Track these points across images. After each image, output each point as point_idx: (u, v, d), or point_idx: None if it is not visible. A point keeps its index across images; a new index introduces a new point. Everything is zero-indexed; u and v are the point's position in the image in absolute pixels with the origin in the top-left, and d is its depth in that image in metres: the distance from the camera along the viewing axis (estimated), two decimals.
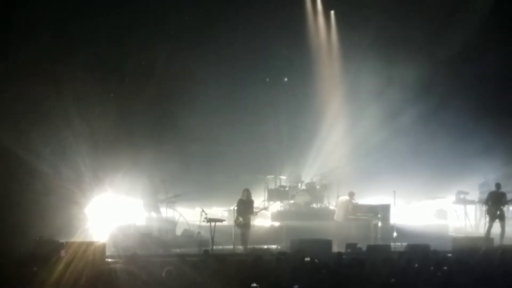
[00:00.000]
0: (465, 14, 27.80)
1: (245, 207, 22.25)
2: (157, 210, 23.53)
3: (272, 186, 26.44)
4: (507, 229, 23.60)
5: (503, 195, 23.75)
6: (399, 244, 22.36)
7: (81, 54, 24.22)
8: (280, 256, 17.38)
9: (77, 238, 20.64)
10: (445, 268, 16.39)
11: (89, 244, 18.20)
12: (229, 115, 27.38)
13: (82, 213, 22.96)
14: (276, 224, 24.46)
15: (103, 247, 18.42)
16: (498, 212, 23.62)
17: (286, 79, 29.02)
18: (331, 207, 26.39)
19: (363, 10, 27.29)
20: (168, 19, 26.57)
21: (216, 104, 26.98)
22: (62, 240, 19.10)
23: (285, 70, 28.36)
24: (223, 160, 27.67)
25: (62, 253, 18.21)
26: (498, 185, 23.86)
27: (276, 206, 26.14)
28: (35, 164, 22.49)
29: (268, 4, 27.07)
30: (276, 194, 26.17)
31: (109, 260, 18.45)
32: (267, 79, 28.72)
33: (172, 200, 23.75)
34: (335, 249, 20.76)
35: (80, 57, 24.11)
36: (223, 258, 17.17)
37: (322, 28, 29.31)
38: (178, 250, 21.40)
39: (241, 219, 22.08)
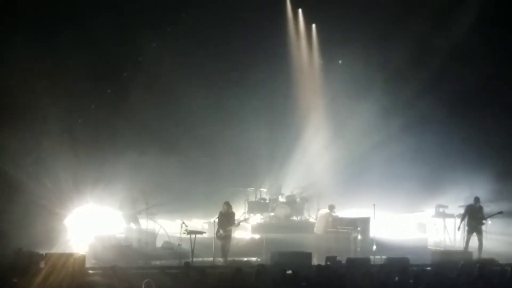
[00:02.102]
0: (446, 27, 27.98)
1: (226, 220, 22.25)
2: (136, 221, 23.40)
3: (252, 198, 26.47)
4: (485, 242, 23.62)
5: (480, 208, 23.79)
6: (379, 257, 22.41)
7: (63, 64, 24.16)
8: (259, 268, 17.38)
9: (57, 249, 20.53)
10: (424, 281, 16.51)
11: (69, 255, 18.11)
12: (210, 127, 27.35)
13: (62, 224, 22.88)
14: (256, 236, 24.42)
15: (83, 259, 18.32)
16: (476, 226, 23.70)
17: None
18: (311, 220, 26.45)
19: (343, 24, 27.37)
20: (150, 32, 26.53)
21: (197, 116, 26.93)
22: (42, 252, 19.03)
23: (266, 82, 28.31)
24: (204, 172, 27.63)
25: (42, 264, 18.16)
26: (476, 199, 23.78)
27: (257, 218, 26.17)
28: (14, 174, 22.39)
29: (250, 16, 27.08)
30: (256, 206, 26.19)
31: (89, 271, 18.39)
32: None
33: (153, 211, 23.67)
34: (315, 262, 20.78)
35: (61, 67, 24.05)
36: (203, 270, 17.18)
37: (304, 40, 29.42)
38: (158, 262, 21.36)
39: (221, 231, 22.08)
